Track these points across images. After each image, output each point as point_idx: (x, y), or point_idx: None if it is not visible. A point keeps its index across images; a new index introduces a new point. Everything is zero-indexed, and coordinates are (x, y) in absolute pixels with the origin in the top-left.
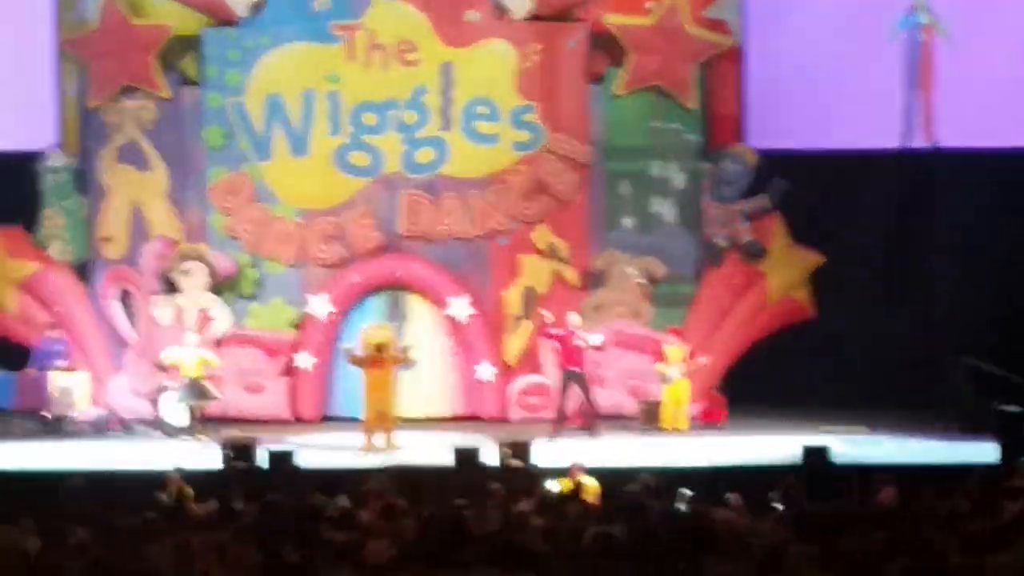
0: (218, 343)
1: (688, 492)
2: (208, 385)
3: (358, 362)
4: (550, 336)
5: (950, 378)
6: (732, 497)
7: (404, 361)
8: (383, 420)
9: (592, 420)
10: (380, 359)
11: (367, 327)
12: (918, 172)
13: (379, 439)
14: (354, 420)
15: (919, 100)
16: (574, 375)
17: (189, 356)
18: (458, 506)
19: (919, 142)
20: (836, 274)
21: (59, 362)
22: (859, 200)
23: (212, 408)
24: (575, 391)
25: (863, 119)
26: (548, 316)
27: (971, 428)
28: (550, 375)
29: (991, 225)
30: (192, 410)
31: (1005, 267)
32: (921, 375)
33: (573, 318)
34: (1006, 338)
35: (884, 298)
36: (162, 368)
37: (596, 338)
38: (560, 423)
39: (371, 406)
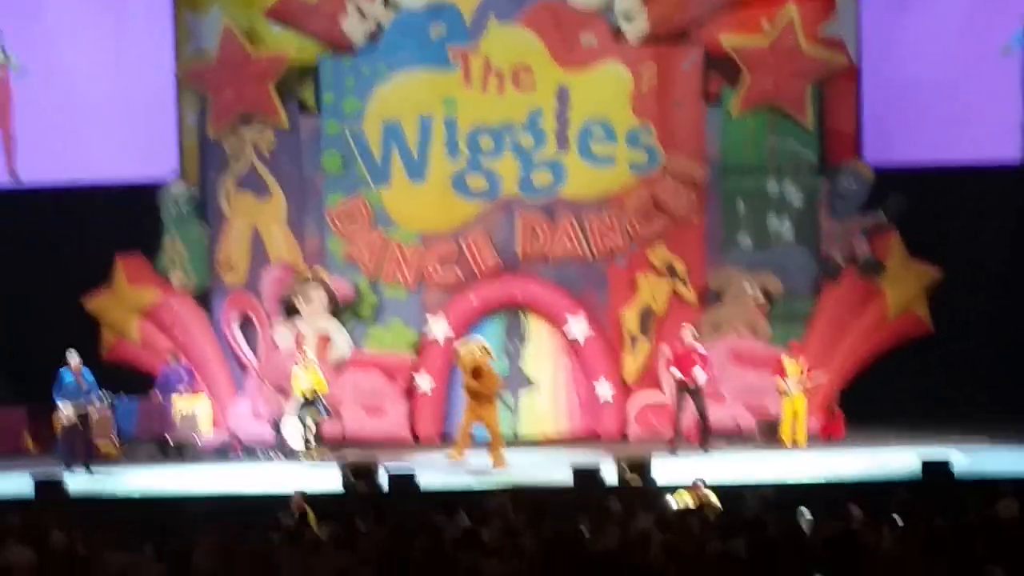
0: (339, 367)
1: (808, 514)
2: (320, 401)
3: (463, 367)
4: (671, 361)
5: None
6: (854, 509)
7: (487, 394)
8: (491, 432)
9: (706, 436)
10: (477, 381)
11: (460, 344)
12: None
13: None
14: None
15: None
16: (690, 390)
17: (304, 375)
18: (578, 524)
19: None
20: (955, 287)
21: (181, 388)
22: (977, 213)
23: (334, 430)
24: (690, 407)
25: (979, 133)
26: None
27: None
28: (668, 393)
29: None
30: (307, 428)
31: None
32: None
33: (687, 333)
34: None
35: (1004, 310)
36: (283, 391)
37: (701, 375)
38: (677, 440)
39: (466, 416)
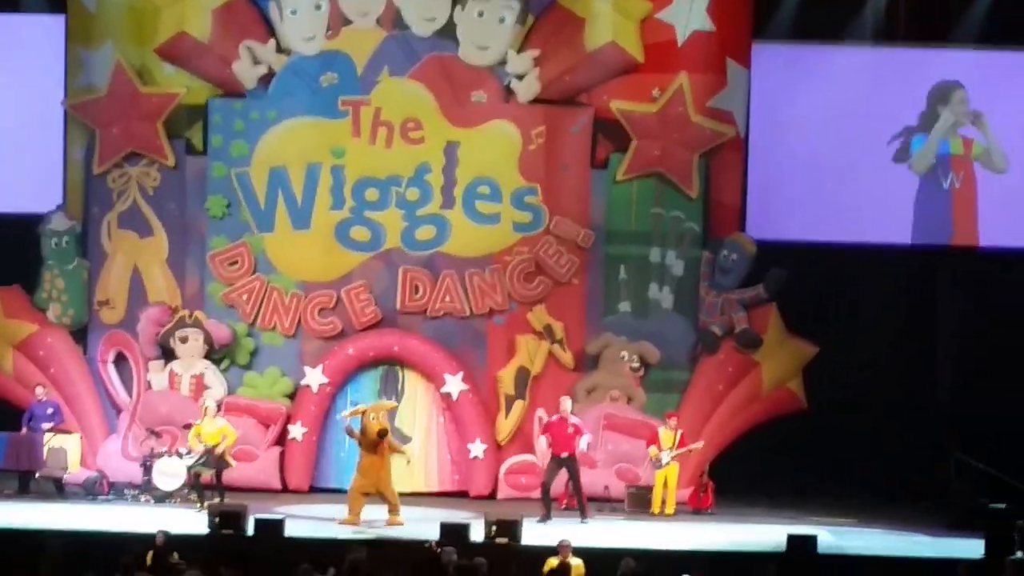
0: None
1: None
2: (227, 454)
3: (354, 437)
4: (543, 430)
5: (940, 473)
6: None
7: (399, 451)
8: (386, 498)
9: (581, 505)
10: (380, 444)
11: (367, 407)
12: (921, 268)
13: (363, 512)
14: (342, 491)
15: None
16: (564, 460)
17: (210, 425)
18: None
19: (930, 238)
20: (831, 366)
21: (51, 423)
22: (857, 293)
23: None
24: (564, 476)
25: (863, 212)
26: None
27: (959, 524)
28: (540, 460)
29: (992, 324)
30: (192, 476)
31: (1000, 367)
32: (913, 469)
33: (565, 404)
34: (997, 437)
35: (879, 392)
36: (155, 434)
37: (584, 441)
38: (546, 505)
39: (359, 483)
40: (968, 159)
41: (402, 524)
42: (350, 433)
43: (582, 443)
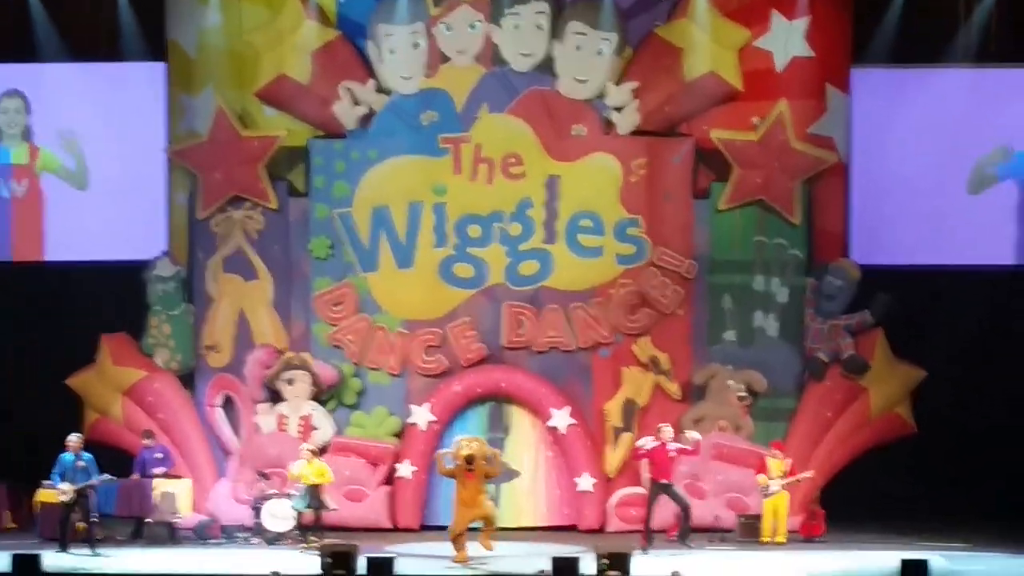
0: (321, 452)
1: None
2: (326, 495)
3: (448, 474)
4: (642, 455)
5: None
6: None
7: (496, 473)
8: (485, 517)
9: (684, 532)
10: (469, 471)
11: (459, 439)
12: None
13: (470, 546)
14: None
15: None
16: (664, 487)
17: (308, 466)
18: None
19: None
20: (938, 390)
21: (161, 468)
22: (962, 315)
23: (311, 515)
24: (667, 502)
25: (967, 234)
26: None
27: None
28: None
29: None
30: (301, 517)
31: None
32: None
33: (666, 431)
34: None
35: (987, 414)
36: (264, 476)
37: (693, 435)
38: (648, 535)
39: (459, 518)
40: None
41: (491, 549)
42: (442, 471)
43: (692, 436)
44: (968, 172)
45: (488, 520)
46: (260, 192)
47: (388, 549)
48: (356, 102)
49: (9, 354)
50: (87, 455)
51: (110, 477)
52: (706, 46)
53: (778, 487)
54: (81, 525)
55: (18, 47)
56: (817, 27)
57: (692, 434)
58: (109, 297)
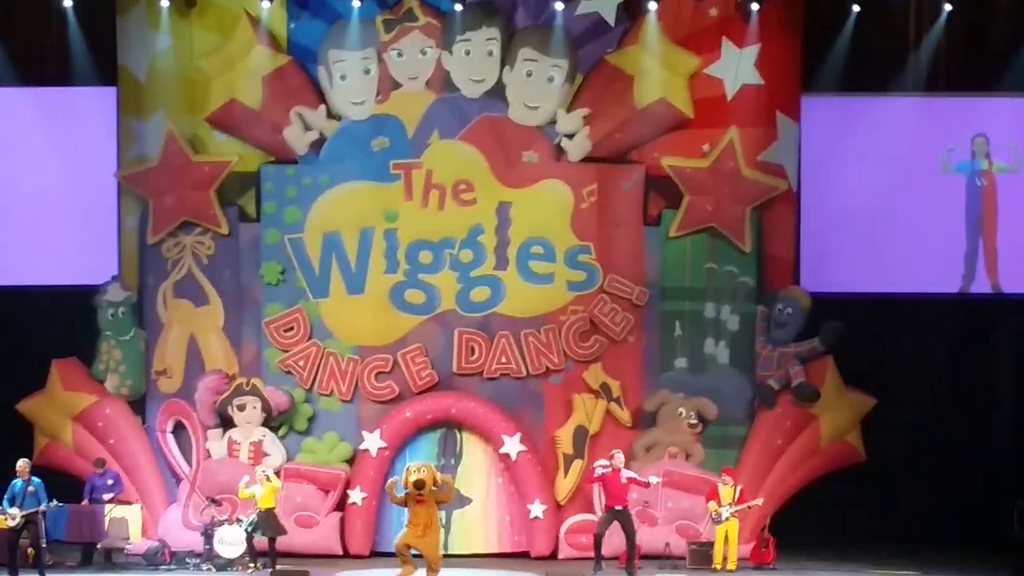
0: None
1: None
2: (278, 519)
3: (400, 502)
4: (595, 480)
5: (1004, 521)
6: None
7: (448, 499)
8: (426, 556)
9: (630, 557)
10: (420, 498)
11: (408, 465)
12: (976, 317)
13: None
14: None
15: (980, 245)
16: (618, 513)
17: (260, 487)
18: None
19: (979, 286)
20: (888, 418)
21: (111, 494)
22: (913, 344)
23: (262, 542)
24: (618, 529)
25: (916, 262)
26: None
27: (1022, 572)
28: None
29: None
30: (252, 542)
31: None
32: (973, 518)
33: (619, 457)
34: None
35: (937, 442)
36: (215, 502)
37: (653, 479)
38: (599, 561)
39: (408, 533)
40: None
41: None
42: (393, 499)
43: (651, 480)
44: (918, 201)
45: (431, 563)
46: (211, 217)
47: (339, 575)
48: (307, 127)
49: None
50: (36, 480)
51: (58, 503)
52: (657, 73)
53: (728, 514)
54: (31, 551)
55: None
56: (767, 55)
57: (652, 478)
58: (59, 322)
